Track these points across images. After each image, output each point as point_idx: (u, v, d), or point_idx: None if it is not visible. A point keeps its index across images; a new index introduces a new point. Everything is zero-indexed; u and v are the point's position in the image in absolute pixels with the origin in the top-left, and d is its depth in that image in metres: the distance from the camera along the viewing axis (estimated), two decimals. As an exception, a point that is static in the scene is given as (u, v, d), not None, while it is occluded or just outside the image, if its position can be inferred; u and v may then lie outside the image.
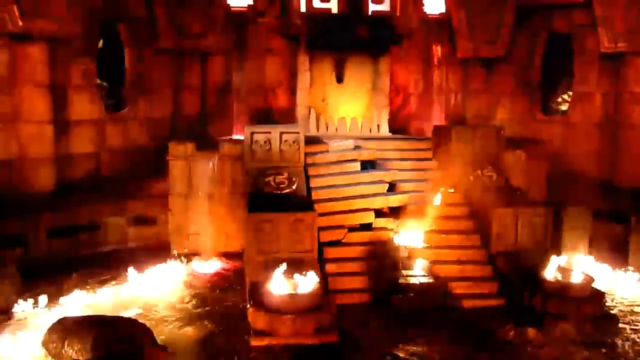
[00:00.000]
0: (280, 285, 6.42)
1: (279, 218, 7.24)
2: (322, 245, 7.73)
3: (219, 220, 9.23)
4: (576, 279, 7.14)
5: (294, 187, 8.23)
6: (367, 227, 8.28)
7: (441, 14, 11.39)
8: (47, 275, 7.76)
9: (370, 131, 11.10)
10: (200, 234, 9.21)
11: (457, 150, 9.22)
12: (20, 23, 8.27)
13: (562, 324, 6.59)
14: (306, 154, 8.84)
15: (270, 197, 8.00)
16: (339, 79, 11.48)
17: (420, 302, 7.20)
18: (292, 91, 11.44)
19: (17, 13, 8.19)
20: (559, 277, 7.15)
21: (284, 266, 6.61)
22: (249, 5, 11.20)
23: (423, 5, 11.54)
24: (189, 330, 6.51)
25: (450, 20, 11.15)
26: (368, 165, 9.36)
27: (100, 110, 10.02)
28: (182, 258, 8.91)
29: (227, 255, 9.11)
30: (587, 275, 7.29)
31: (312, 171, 8.82)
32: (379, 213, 8.44)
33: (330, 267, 7.63)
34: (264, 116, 11.47)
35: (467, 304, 7.39)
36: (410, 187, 8.94)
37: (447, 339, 6.41)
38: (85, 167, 9.80)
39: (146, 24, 10.48)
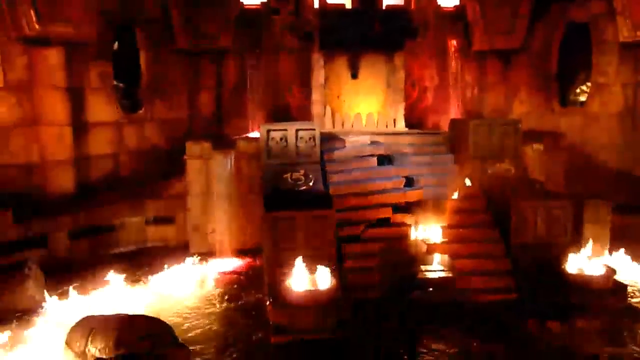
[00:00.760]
0: (299, 281, 6.44)
1: (297, 215, 7.24)
2: (340, 241, 7.72)
3: (236, 218, 9.27)
4: (598, 271, 7.06)
5: (311, 183, 8.23)
6: (384, 222, 8.25)
7: (455, 6, 11.32)
8: (69, 275, 7.87)
9: (387, 126, 11.07)
10: (218, 233, 9.26)
11: (475, 144, 9.14)
12: (37, 27, 8.39)
13: (584, 317, 6.51)
14: (322, 151, 8.84)
15: (288, 194, 8.01)
16: (354, 75, 11.44)
17: (439, 296, 7.17)
18: (307, 88, 11.44)
19: (34, 17, 8.31)
20: (580, 270, 7.06)
21: (302, 263, 6.62)
22: (262, 3, 11.24)
23: (437, -2, 11.48)
24: (209, 328, 6.56)
25: (465, 13, 11.07)
26: (385, 160, 9.33)
27: (117, 111, 10.13)
28: (201, 256, 8.96)
29: (245, 253, 9.15)
30: (608, 267, 7.19)
31: (329, 167, 8.81)
32: (396, 208, 8.41)
33: (348, 263, 7.62)
34: (280, 114, 11.49)
35: (487, 298, 7.33)
36: (427, 181, 8.88)
37: (466, 333, 6.36)
38: (104, 168, 9.92)
39: (161, 25, 10.58)
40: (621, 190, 9.53)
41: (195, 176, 9.38)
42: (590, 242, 7.52)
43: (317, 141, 8.67)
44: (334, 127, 10.99)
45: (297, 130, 8.64)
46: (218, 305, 7.29)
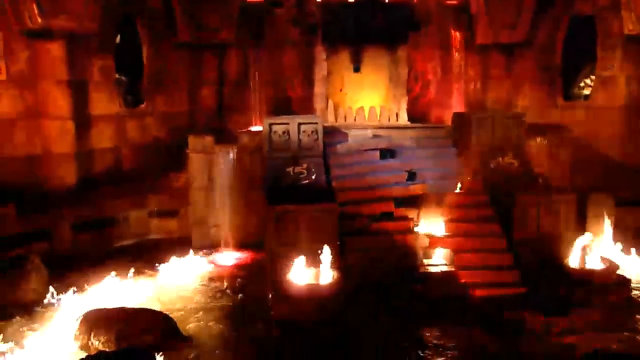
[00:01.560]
0: (301, 275, 6.44)
1: (300, 209, 7.24)
2: (342, 235, 7.71)
3: (239, 211, 9.27)
4: (601, 266, 7.04)
5: (313, 177, 8.22)
6: (387, 216, 8.24)
7: (459, -1, 11.25)
8: (72, 269, 7.90)
9: (389, 120, 11.03)
10: (220, 226, 9.27)
11: (478, 138, 9.11)
12: (40, 20, 8.38)
13: (586, 311, 6.50)
14: (325, 144, 8.82)
15: (290, 188, 8.00)
16: (357, 69, 11.41)
17: (440, 291, 7.16)
18: (310, 82, 11.41)
19: (36, 10, 8.30)
20: (583, 264, 7.05)
21: (304, 256, 6.62)
22: (265, -4, 11.20)
23: (441, -10, 11.41)
24: (212, 321, 6.56)
25: (469, 6, 11.01)
26: (387, 154, 9.31)
27: (119, 105, 10.13)
28: (204, 250, 8.98)
29: (248, 246, 9.16)
30: (612, 262, 7.18)
31: (331, 161, 8.80)
32: (399, 202, 8.40)
33: (350, 257, 7.60)
34: (282, 107, 11.47)
35: (489, 292, 7.31)
36: (430, 175, 8.87)
37: (468, 328, 6.36)
38: (106, 161, 9.93)
39: (163, 18, 10.55)
40: (625, 183, 9.49)
41: (197, 170, 9.38)
42: (594, 236, 7.51)
43: (320, 135, 8.64)
44: (336, 120, 10.97)
45: (299, 124, 8.62)
46: (220, 299, 7.29)
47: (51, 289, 7.17)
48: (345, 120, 10.99)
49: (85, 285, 7.47)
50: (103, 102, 9.83)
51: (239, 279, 7.96)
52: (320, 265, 6.54)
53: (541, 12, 10.88)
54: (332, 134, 9.34)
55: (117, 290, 7.45)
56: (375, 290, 7.14)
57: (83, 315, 6.03)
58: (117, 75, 10.25)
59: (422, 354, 5.77)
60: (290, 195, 7.65)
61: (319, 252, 6.76)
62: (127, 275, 7.80)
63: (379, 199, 8.34)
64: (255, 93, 11.55)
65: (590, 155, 10.27)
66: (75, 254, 8.50)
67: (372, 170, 8.87)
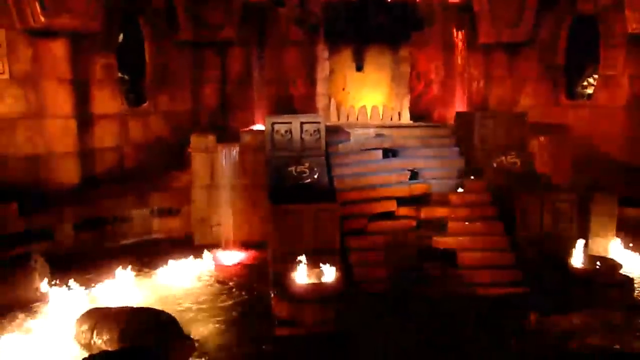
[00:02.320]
0: (304, 275, 6.44)
1: (302, 209, 7.23)
2: (344, 234, 7.71)
3: (241, 210, 9.27)
4: (604, 265, 7.02)
5: (315, 176, 8.21)
6: (389, 215, 8.24)
7: (462, -2, 11.23)
8: (75, 267, 7.88)
9: (392, 119, 11.02)
10: (223, 225, 9.27)
11: (480, 137, 9.10)
12: (42, 19, 8.38)
13: (588, 311, 6.47)
14: (327, 143, 8.81)
15: (292, 188, 8.00)
16: (359, 67, 11.40)
17: (443, 290, 7.16)
18: (312, 81, 11.41)
19: (39, 9, 8.29)
20: (586, 264, 7.03)
21: (306, 256, 6.62)
22: (267, -5, 11.19)
23: (443, -10, 11.39)
24: (214, 321, 6.56)
25: (472, 5, 10.98)
26: (390, 153, 9.30)
27: (122, 104, 10.13)
28: (206, 249, 8.97)
29: (250, 246, 9.16)
30: (615, 261, 7.16)
31: (333, 160, 8.79)
32: (401, 201, 8.39)
33: (353, 256, 7.61)
34: (285, 106, 11.47)
35: (492, 291, 7.30)
36: (432, 174, 8.87)
37: (470, 327, 6.35)
38: (109, 160, 9.93)
39: (166, 16, 10.54)
40: (628, 182, 9.46)
41: (199, 169, 9.39)
42: (597, 235, 7.49)
43: (322, 134, 8.63)
44: (338, 119, 10.96)
45: (301, 123, 8.60)
46: (223, 298, 7.29)
47: (54, 287, 7.19)
48: (348, 119, 10.98)
49: (88, 284, 7.48)
50: (105, 101, 9.83)
51: (241, 278, 7.97)
52: (322, 264, 6.53)
53: (544, 12, 10.87)
54: (335, 133, 9.33)
55: (119, 289, 7.46)
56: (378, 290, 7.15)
57: (85, 314, 6.04)
58: (119, 74, 10.25)
59: (422, 355, 5.75)
60: (292, 195, 7.65)
61: (321, 251, 6.76)
62: (129, 274, 7.80)
63: (381, 198, 8.33)
64: (257, 92, 11.54)
65: (593, 154, 10.25)
66: (77, 252, 8.50)
67: (375, 169, 8.86)
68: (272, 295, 6.46)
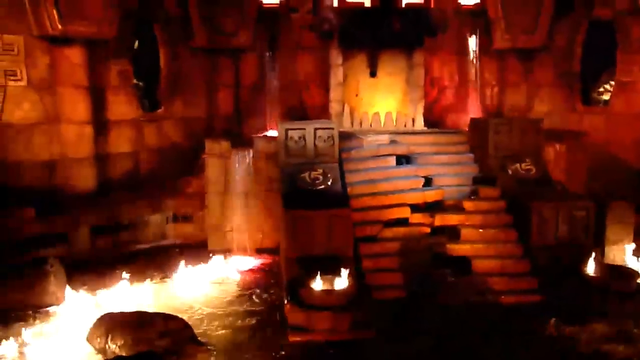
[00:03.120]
0: (317, 281, 6.44)
1: (315, 215, 7.23)
2: (357, 241, 7.70)
3: (255, 216, 9.30)
4: (619, 274, 6.94)
5: (329, 182, 8.20)
6: (403, 222, 8.20)
7: (476, 4, 11.17)
8: (90, 272, 7.96)
9: (405, 125, 10.99)
10: (237, 231, 9.30)
11: (495, 143, 9.04)
12: (59, 26, 8.48)
13: (603, 320, 6.41)
14: (341, 150, 8.81)
15: (306, 194, 8.00)
16: (373, 73, 11.37)
17: (457, 298, 7.12)
18: (326, 87, 11.40)
19: (56, 16, 8.40)
20: (602, 272, 6.95)
21: (320, 263, 6.61)
22: (281, 2, 11.22)
23: (457, -5, 11.35)
24: (228, 327, 6.58)
25: (486, 11, 10.94)
26: (403, 160, 9.28)
27: (137, 110, 10.21)
28: (220, 255, 9.00)
29: (264, 252, 9.19)
30: (632, 270, 7.07)
31: (347, 166, 8.79)
32: (414, 208, 8.35)
33: (366, 263, 7.59)
34: (298, 112, 11.48)
35: (506, 299, 7.25)
36: (446, 181, 8.82)
37: (485, 335, 6.31)
38: (124, 166, 10.01)
39: (180, 23, 10.62)
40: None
41: (214, 174, 9.43)
42: (613, 244, 7.41)
43: (336, 140, 8.63)
44: (352, 126, 10.95)
45: (315, 129, 8.61)
46: (236, 303, 7.31)
47: (69, 291, 7.25)
48: (361, 126, 10.96)
49: (103, 288, 7.54)
50: (121, 107, 9.91)
51: (255, 284, 7.98)
52: (336, 271, 6.52)
53: (560, 17, 10.77)
54: (348, 139, 9.32)
55: (134, 294, 7.50)
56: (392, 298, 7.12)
57: (100, 319, 6.08)
58: (134, 81, 10.35)
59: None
60: (305, 201, 7.65)
61: (334, 257, 6.75)
62: (143, 279, 7.86)
63: (395, 205, 8.30)
64: (271, 98, 11.58)
65: (609, 161, 10.14)
66: (92, 257, 8.57)
67: (388, 176, 8.83)
68: (286, 302, 6.46)
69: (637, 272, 7.09)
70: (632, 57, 10.22)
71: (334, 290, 6.36)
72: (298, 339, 6.08)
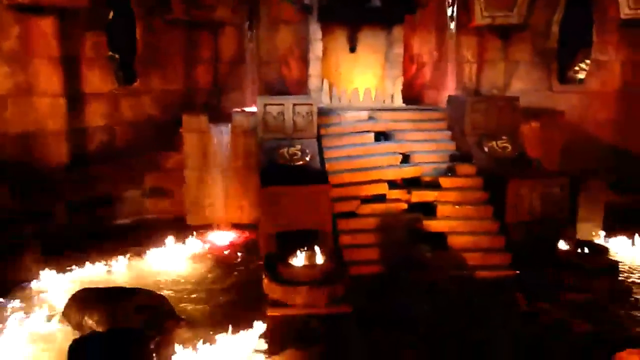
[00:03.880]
0: (295, 257, 6.47)
1: (294, 191, 7.25)
2: (335, 217, 7.75)
3: (233, 192, 9.28)
4: (591, 250, 7.11)
5: (307, 158, 8.21)
6: (380, 198, 8.27)
7: (456, -20, 11.13)
8: (66, 248, 7.87)
9: (384, 102, 10.98)
10: (215, 206, 9.28)
11: (472, 121, 9.11)
12: (30, -6, 8.22)
13: (574, 295, 6.59)
14: (319, 125, 8.80)
15: (284, 169, 8.00)
16: (352, 49, 11.30)
17: (433, 273, 7.23)
18: (305, 62, 11.31)
19: (26, -16, 8.14)
20: (573, 248, 7.12)
21: (298, 238, 6.65)
22: (261, -25, 11.03)
23: (438, -28, 11.29)
24: (206, 302, 6.61)
25: (466, -13, 10.91)
26: (382, 136, 9.31)
27: (112, 83, 10.00)
28: (198, 230, 8.99)
29: (242, 227, 9.19)
30: (602, 246, 7.25)
31: (325, 142, 8.79)
32: (392, 184, 8.42)
33: (344, 239, 7.66)
34: (277, 87, 11.39)
35: (481, 274, 7.40)
36: (424, 158, 8.89)
37: (459, 310, 6.43)
38: (99, 140, 9.84)
39: (157, -6, 10.37)
40: (618, 168, 9.55)
41: (192, 149, 9.35)
42: (586, 220, 7.57)
43: (314, 116, 8.61)
44: (331, 101, 10.90)
45: (294, 105, 8.57)
46: (215, 279, 7.34)
47: (46, 268, 7.18)
48: (340, 102, 10.92)
49: (79, 264, 7.48)
50: (96, 79, 9.69)
51: (233, 259, 8.00)
52: (314, 246, 6.57)
53: (538, -4, 10.81)
54: (327, 115, 9.31)
55: (111, 270, 7.47)
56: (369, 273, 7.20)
57: (76, 294, 6.05)
58: (109, 53, 10.12)
59: (410, 341, 5.81)
60: (284, 176, 7.65)
61: (313, 233, 6.79)
62: (121, 254, 7.81)
63: (373, 181, 8.35)
64: (250, 72, 11.45)
65: (584, 139, 10.31)
66: (69, 233, 8.44)
67: (366, 152, 8.87)
68: (264, 277, 6.49)
69: (607, 249, 7.27)
70: (607, 36, 10.33)
71: (312, 265, 6.41)
72: (277, 313, 6.12)
